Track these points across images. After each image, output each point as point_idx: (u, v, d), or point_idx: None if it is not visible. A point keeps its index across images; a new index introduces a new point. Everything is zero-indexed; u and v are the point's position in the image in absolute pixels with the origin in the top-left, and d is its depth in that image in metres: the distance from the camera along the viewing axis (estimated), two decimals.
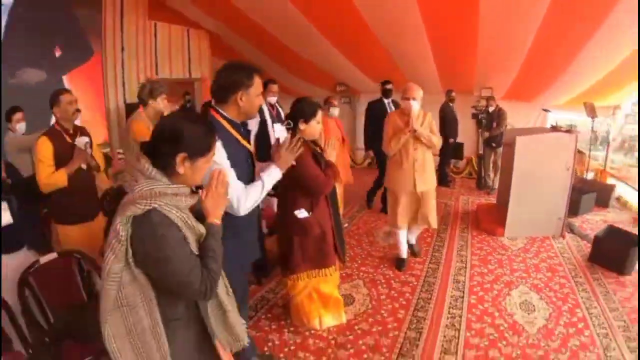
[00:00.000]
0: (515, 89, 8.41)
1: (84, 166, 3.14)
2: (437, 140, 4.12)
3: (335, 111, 5.32)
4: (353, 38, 7.35)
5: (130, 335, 1.46)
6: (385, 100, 6.18)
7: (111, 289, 1.41)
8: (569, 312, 3.73)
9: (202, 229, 1.61)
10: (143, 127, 3.44)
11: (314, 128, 2.86)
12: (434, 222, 4.34)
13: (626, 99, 10.03)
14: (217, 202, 1.70)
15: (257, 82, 2.22)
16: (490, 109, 7.79)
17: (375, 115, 5.78)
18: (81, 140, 3.13)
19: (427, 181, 4.17)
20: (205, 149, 1.60)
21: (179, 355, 1.55)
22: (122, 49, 5.74)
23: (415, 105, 3.92)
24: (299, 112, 2.84)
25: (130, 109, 5.43)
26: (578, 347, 3.23)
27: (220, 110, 2.22)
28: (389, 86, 6.17)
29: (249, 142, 2.41)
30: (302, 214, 2.95)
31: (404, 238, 4.50)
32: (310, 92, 9.05)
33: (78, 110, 3.21)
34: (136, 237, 1.41)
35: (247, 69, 2.20)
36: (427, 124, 4.09)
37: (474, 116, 9.26)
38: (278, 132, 4.68)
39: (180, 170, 1.54)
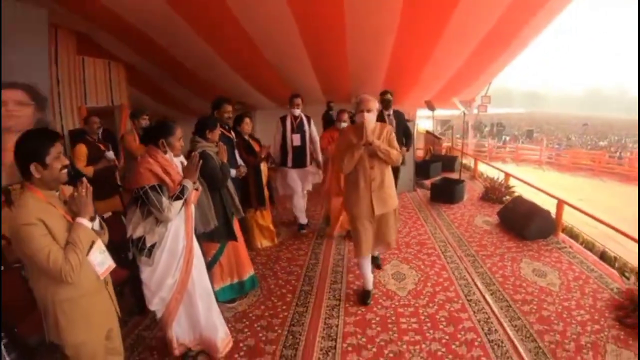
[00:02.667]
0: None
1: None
2: (397, 155, 3.63)
3: (344, 125, 5.36)
4: (248, 61, 8.15)
5: None
6: (385, 112, 6.11)
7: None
8: (436, 275, 4.36)
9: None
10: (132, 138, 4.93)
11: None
12: (393, 243, 3.99)
13: (476, 93, 12.39)
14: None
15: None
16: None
17: None
18: (110, 155, 4.84)
19: (386, 203, 3.70)
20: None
21: None
22: (58, 81, 6.64)
23: (370, 117, 3.60)
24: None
25: (72, 135, 5.99)
26: (444, 300, 3.82)
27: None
28: (387, 97, 6.14)
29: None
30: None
31: (369, 266, 3.99)
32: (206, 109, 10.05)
33: (99, 127, 4.96)
34: None
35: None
36: (384, 137, 3.66)
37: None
38: (295, 140, 5.47)
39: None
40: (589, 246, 5.22)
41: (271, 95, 10.70)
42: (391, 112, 6.31)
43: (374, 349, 3.17)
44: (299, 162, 5.57)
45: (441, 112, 15.01)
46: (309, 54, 7.86)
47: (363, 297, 3.94)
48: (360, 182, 3.65)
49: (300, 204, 5.89)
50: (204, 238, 3.33)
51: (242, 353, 3.17)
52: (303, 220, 5.98)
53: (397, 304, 3.80)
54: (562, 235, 5.48)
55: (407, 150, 6.47)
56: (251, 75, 9.21)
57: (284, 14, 6.21)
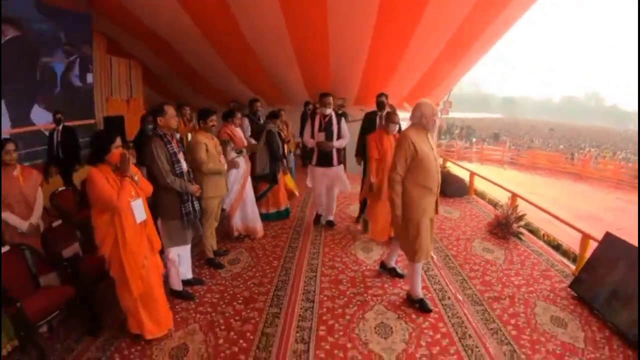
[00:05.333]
0: (360, 95, 11.03)
1: None
2: None
3: (395, 127, 5.17)
4: (243, 62, 9.40)
5: None
6: (378, 113, 5.80)
7: None
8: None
9: None
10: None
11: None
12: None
13: (440, 98, 13.52)
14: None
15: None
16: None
17: (365, 127, 5.77)
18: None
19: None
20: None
21: None
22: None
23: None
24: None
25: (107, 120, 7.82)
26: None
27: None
28: (381, 99, 5.81)
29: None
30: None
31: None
32: (209, 105, 11.28)
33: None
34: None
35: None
36: None
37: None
38: (320, 138, 5.44)
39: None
40: (493, 202, 7.53)
41: (262, 95, 11.69)
42: (384, 113, 5.90)
43: (345, 299, 4.03)
44: (324, 161, 5.58)
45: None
46: (296, 54, 9.06)
47: (422, 306, 3.81)
48: (433, 186, 3.63)
49: (320, 200, 5.92)
50: (259, 178, 5.70)
51: (240, 301, 3.96)
52: (328, 216, 6.04)
53: (363, 268, 4.61)
54: (474, 196, 7.91)
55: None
56: (246, 76, 10.51)
57: (277, 20, 7.46)
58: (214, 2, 6.94)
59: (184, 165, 3.68)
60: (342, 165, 5.75)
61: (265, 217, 5.92)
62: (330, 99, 5.42)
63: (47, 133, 6.39)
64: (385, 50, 8.77)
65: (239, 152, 5.07)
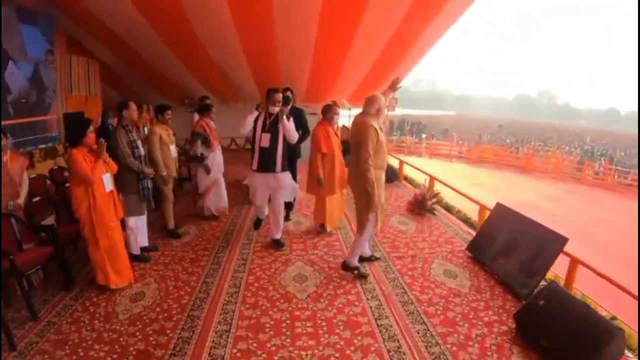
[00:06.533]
0: (309, 91, 11.47)
1: None
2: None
3: (337, 119, 5.63)
4: (199, 64, 9.90)
5: None
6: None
7: None
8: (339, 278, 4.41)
9: None
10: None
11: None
12: None
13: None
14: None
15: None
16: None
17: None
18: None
19: None
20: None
21: None
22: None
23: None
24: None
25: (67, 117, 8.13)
26: (345, 304, 3.85)
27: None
28: (286, 94, 5.49)
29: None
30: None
31: None
32: (163, 101, 11.43)
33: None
34: None
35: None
36: None
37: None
38: (263, 141, 4.71)
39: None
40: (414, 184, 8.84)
41: (218, 92, 12.28)
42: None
43: (272, 258, 4.78)
44: (265, 165, 4.77)
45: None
46: (246, 56, 9.57)
47: (359, 272, 4.44)
48: (385, 164, 4.27)
49: (261, 212, 5.35)
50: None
51: (187, 261, 4.71)
52: (275, 234, 5.23)
53: (294, 307, 3.81)
54: (403, 182, 9.08)
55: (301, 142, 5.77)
56: (200, 75, 10.99)
57: (226, 22, 7.89)
58: (168, 4, 7.39)
59: (142, 151, 4.48)
60: (288, 172, 4.96)
61: None
62: (280, 95, 4.74)
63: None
64: (329, 52, 9.30)
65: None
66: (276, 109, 4.70)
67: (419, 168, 8.44)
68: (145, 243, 4.85)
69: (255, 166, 4.83)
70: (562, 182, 19.77)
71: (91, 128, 3.75)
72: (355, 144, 4.06)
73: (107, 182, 3.82)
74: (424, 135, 32.41)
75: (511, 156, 25.31)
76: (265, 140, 4.71)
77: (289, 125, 4.73)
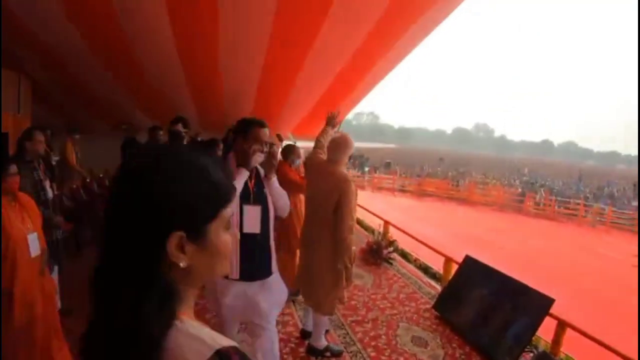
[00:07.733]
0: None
1: None
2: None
3: (299, 162, 4.75)
4: (136, 85, 9.05)
5: None
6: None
7: None
8: None
9: None
10: None
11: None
12: None
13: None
14: None
15: None
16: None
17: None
18: None
19: None
20: None
21: None
22: None
23: None
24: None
25: None
26: None
27: None
28: (175, 127, 5.08)
29: None
30: None
31: None
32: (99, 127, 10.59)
33: None
34: None
35: None
36: None
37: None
38: (250, 223, 2.98)
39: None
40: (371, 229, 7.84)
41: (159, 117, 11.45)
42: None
43: None
44: (255, 267, 2.55)
45: (305, 144, 17.10)
46: (189, 88, 9.10)
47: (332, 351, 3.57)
48: None
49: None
50: None
51: None
52: None
53: None
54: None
55: None
56: (140, 98, 10.14)
57: (167, 41, 7.05)
58: (102, 15, 6.57)
59: (49, 193, 3.54)
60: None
61: None
62: (267, 131, 2.62)
63: None
64: (275, 80, 8.89)
65: None
66: (260, 159, 2.53)
67: (373, 212, 7.91)
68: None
69: (234, 272, 2.46)
70: (504, 213, 20.27)
71: (14, 168, 2.49)
72: (326, 202, 3.05)
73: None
74: (366, 169, 32.38)
75: (453, 189, 25.67)
76: (252, 219, 2.51)
77: (280, 188, 2.68)
